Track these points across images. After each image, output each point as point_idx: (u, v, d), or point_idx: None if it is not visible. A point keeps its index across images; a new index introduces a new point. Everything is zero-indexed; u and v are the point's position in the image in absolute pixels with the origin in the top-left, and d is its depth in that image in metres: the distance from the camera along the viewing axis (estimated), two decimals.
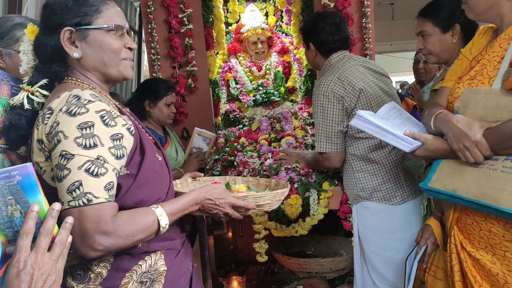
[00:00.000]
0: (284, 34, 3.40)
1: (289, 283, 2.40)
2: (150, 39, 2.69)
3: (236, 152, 2.59)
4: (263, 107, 3.00)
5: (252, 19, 3.23)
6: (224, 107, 3.18)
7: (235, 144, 2.75)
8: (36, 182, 0.77)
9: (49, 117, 0.94)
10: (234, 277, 2.44)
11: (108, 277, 1.02)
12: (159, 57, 2.71)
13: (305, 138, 2.73)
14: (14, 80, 1.25)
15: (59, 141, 0.90)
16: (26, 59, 1.06)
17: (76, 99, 0.94)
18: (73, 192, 0.88)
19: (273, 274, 2.69)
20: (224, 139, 2.83)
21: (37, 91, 1.05)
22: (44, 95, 1.06)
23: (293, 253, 2.58)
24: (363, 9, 2.64)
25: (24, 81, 1.08)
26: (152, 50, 2.70)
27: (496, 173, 1.12)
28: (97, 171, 0.90)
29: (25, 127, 1.05)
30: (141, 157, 1.04)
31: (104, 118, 0.94)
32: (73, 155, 0.89)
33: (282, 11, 3.32)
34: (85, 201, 0.88)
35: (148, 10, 2.66)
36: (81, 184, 0.88)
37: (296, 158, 2.16)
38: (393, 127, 1.37)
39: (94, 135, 0.91)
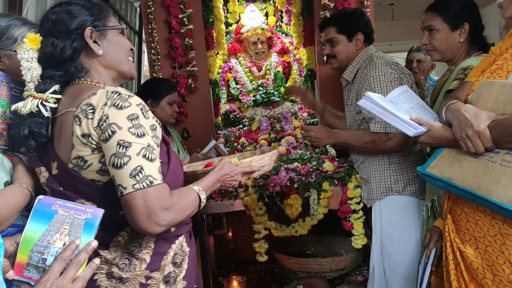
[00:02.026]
0: (284, 34, 3.41)
1: (289, 282, 2.40)
2: (150, 39, 2.69)
3: (236, 152, 2.59)
4: (263, 107, 3.00)
5: (252, 19, 3.23)
6: (224, 107, 3.19)
7: (235, 144, 2.75)
8: (97, 226, 0.88)
9: (92, 112, 0.99)
10: (234, 277, 2.45)
11: (151, 262, 1.10)
12: (159, 57, 2.71)
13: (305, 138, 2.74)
14: (14, 81, 1.24)
15: (114, 132, 0.97)
16: (32, 66, 1.07)
17: (117, 94, 1.00)
18: (136, 176, 0.96)
19: (273, 274, 2.70)
20: (224, 139, 2.84)
21: (51, 97, 1.07)
22: (57, 100, 1.08)
23: (293, 253, 2.58)
24: (362, 9, 2.64)
25: (31, 88, 1.08)
26: (152, 50, 2.70)
27: (494, 165, 1.12)
28: (151, 157, 0.99)
29: (46, 135, 1.08)
30: (166, 147, 1.15)
31: (143, 111, 1.02)
32: (130, 143, 0.96)
33: (282, 11, 3.33)
34: (148, 183, 0.96)
35: (148, 11, 2.66)
36: (142, 169, 0.96)
37: (328, 135, 1.99)
38: (400, 111, 1.36)
39: (141, 125, 0.99)
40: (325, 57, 2.10)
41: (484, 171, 1.13)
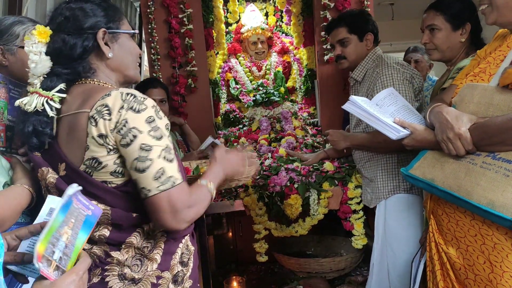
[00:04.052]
0: (284, 34, 3.40)
1: (289, 283, 2.40)
2: (150, 39, 2.69)
3: None
4: (263, 107, 3.00)
5: (252, 19, 3.23)
6: (224, 107, 3.18)
7: (235, 144, 2.75)
8: (93, 225, 0.85)
9: (108, 113, 0.98)
10: (234, 277, 2.44)
11: (161, 262, 1.11)
12: (159, 57, 2.71)
13: (305, 138, 2.74)
14: (12, 83, 1.23)
15: (135, 137, 0.98)
16: (41, 60, 1.04)
17: (133, 96, 1.00)
18: (160, 178, 0.99)
19: (273, 274, 2.69)
20: (224, 139, 2.83)
21: (56, 96, 1.05)
22: (61, 99, 1.06)
23: (293, 253, 2.58)
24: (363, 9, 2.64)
25: (36, 84, 1.05)
26: (152, 50, 2.70)
27: (475, 167, 1.13)
28: (170, 158, 1.01)
29: (50, 134, 1.06)
30: None
31: (156, 112, 1.03)
32: (151, 146, 0.98)
33: (282, 11, 3.32)
34: (172, 184, 1.00)
35: (148, 10, 2.66)
36: (164, 171, 0.99)
37: (342, 139, 2.03)
38: (384, 114, 1.37)
39: (158, 127, 1.01)
40: (335, 58, 2.09)
41: (465, 173, 1.14)
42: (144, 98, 1.01)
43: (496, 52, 1.25)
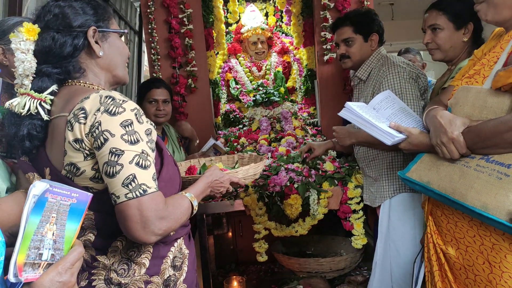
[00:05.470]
0: (284, 34, 3.41)
1: (289, 282, 2.40)
2: (150, 39, 2.69)
3: (236, 152, 2.59)
4: (263, 107, 3.00)
5: (252, 19, 3.23)
6: (224, 107, 3.19)
7: (235, 144, 2.75)
8: (83, 212, 0.80)
9: (84, 117, 0.95)
10: (234, 277, 2.44)
11: (150, 266, 1.09)
12: (159, 57, 2.71)
13: (305, 138, 2.74)
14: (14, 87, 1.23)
15: (106, 140, 0.93)
16: (27, 59, 1.02)
17: (111, 99, 0.97)
18: (129, 185, 0.93)
19: (273, 274, 2.70)
20: (224, 139, 2.83)
21: (49, 98, 1.03)
22: (51, 100, 1.04)
23: (293, 253, 2.58)
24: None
25: (26, 85, 1.02)
26: (152, 50, 2.70)
27: (469, 170, 1.13)
28: (144, 164, 0.96)
29: (42, 138, 1.05)
30: (159, 153, 1.12)
31: (137, 116, 0.99)
32: (123, 151, 0.93)
33: (282, 11, 3.33)
34: (142, 192, 0.94)
35: (148, 11, 2.66)
36: (135, 177, 0.93)
37: (347, 135, 1.97)
38: (381, 119, 1.37)
39: (135, 131, 0.96)
40: (338, 57, 2.08)
41: (459, 176, 1.15)
42: (123, 101, 0.97)
43: (491, 54, 1.25)
